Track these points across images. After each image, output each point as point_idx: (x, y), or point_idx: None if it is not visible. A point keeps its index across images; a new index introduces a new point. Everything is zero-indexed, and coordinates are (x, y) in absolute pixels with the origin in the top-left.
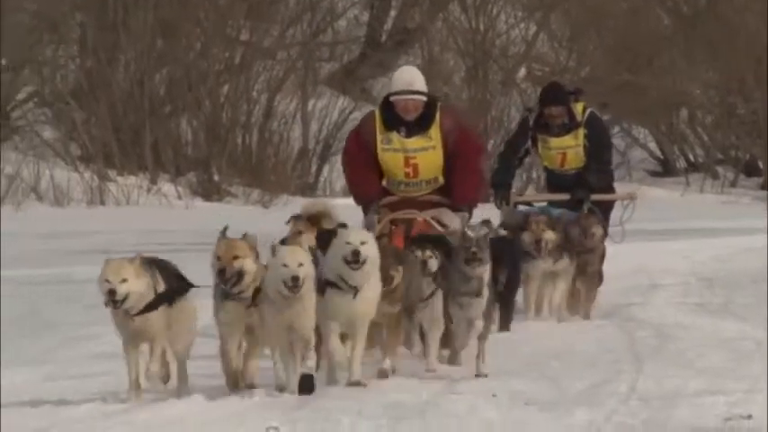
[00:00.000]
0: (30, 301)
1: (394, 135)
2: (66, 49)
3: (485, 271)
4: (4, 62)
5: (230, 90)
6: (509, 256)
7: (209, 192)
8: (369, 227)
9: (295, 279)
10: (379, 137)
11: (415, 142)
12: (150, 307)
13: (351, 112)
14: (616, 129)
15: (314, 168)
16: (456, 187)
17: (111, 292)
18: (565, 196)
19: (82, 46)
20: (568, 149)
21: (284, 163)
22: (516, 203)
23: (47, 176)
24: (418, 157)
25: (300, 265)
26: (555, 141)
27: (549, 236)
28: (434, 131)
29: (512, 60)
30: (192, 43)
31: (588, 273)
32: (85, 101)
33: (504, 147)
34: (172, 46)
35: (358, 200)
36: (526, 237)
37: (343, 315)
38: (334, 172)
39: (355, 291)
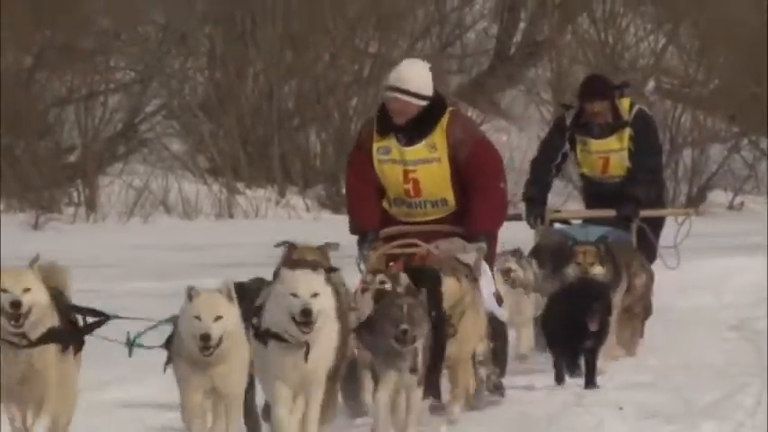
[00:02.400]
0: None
1: (392, 142)
2: (195, 61)
3: (419, 345)
4: (132, 74)
5: (359, 102)
6: (600, 302)
7: (338, 204)
8: (361, 264)
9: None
10: (375, 144)
11: (414, 152)
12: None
13: (480, 125)
14: (744, 141)
15: None
16: (471, 212)
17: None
18: (610, 212)
19: (210, 58)
20: (612, 153)
21: None
22: (553, 221)
23: (175, 189)
24: (419, 170)
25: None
26: (596, 144)
27: (599, 270)
28: (439, 140)
29: (640, 73)
30: (320, 55)
31: (630, 315)
32: (214, 113)
33: (538, 151)
34: (300, 58)
35: (351, 228)
36: (571, 270)
37: (291, 375)
38: None
39: (306, 348)
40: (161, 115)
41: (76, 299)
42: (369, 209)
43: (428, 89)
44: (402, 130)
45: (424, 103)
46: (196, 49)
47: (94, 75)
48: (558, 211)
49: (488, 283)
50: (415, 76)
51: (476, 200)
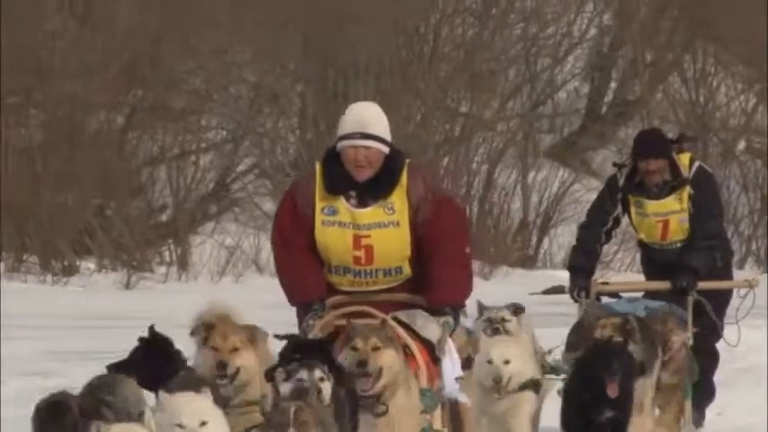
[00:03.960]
0: None
1: (340, 203)
2: (287, 120)
3: None
4: (224, 133)
5: (450, 162)
6: (619, 362)
7: None
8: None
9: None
10: (318, 204)
11: (370, 214)
12: None
13: (571, 184)
14: None
15: (534, 240)
16: (436, 282)
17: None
18: (664, 284)
19: (302, 117)
20: (671, 216)
21: (504, 234)
22: (600, 294)
23: (267, 248)
24: (374, 235)
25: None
26: (653, 205)
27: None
28: (398, 199)
29: (731, 133)
30: (412, 114)
31: (671, 392)
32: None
33: (587, 215)
34: (391, 117)
35: (291, 298)
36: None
37: None
38: (554, 244)
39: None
40: (253, 174)
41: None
42: (312, 275)
43: (389, 135)
44: (353, 188)
45: (387, 152)
46: (288, 109)
47: (186, 134)
48: (606, 283)
49: (453, 364)
50: (377, 117)
51: (441, 268)
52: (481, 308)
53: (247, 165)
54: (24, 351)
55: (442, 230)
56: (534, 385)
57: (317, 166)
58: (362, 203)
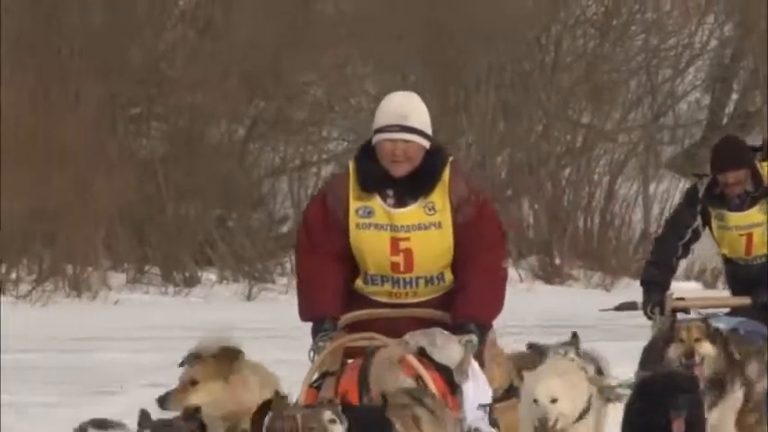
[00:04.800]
0: None
1: (376, 203)
2: None
3: None
4: (345, 144)
5: (571, 173)
6: (688, 396)
7: (551, 275)
8: (315, 358)
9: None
10: (352, 205)
11: (408, 215)
12: None
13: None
14: None
15: None
16: (463, 294)
17: None
18: (744, 300)
19: None
20: (755, 228)
21: (626, 246)
22: (675, 311)
23: None
24: (413, 238)
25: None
26: (735, 218)
27: (708, 350)
28: (440, 198)
29: None
30: (533, 125)
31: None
32: None
33: (664, 227)
34: (513, 128)
35: (301, 312)
36: (672, 352)
37: None
38: None
39: None
40: None
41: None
42: (328, 290)
43: (430, 129)
44: (390, 186)
45: (428, 146)
46: None
47: (307, 145)
48: (682, 299)
49: (477, 388)
50: (417, 110)
51: (472, 278)
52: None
53: None
54: (145, 362)
55: (480, 237)
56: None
57: (350, 164)
58: (401, 202)
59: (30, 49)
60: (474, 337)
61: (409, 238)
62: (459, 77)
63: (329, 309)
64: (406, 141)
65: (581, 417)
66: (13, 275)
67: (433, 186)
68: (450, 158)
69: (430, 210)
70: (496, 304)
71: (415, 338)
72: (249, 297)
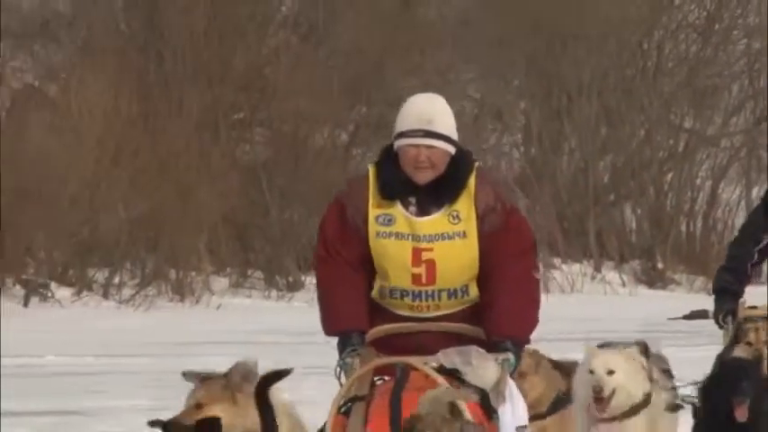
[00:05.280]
0: None
1: (398, 210)
2: (510, 136)
3: None
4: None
5: (674, 178)
6: (750, 382)
7: (653, 279)
8: (342, 377)
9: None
10: (372, 213)
11: (432, 224)
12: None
13: None
14: None
15: None
16: (496, 310)
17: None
18: None
19: (526, 134)
20: None
21: None
22: (748, 320)
23: None
24: (437, 248)
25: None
26: None
27: None
28: (465, 206)
29: None
30: (635, 130)
31: None
32: (530, 189)
33: (739, 232)
34: (615, 133)
35: (326, 326)
36: (738, 351)
37: None
38: None
39: None
40: None
41: None
42: (352, 301)
43: (455, 133)
44: (413, 193)
45: (453, 152)
46: (512, 125)
47: None
48: (754, 307)
49: (515, 410)
50: (442, 113)
51: (503, 293)
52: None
53: None
54: None
55: (509, 248)
56: (646, 404)
57: (370, 169)
58: (423, 211)
59: (133, 56)
60: (511, 356)
61: (432, 248)
62: (562, 83)
63: (356, 322)
64: (431, 147)
65: (633, 412)
66: (116, 280)
67: (457, 194)
68: (477, 164)
69: (454, 218)
70: (532, 318)
71: (449, 357)
72: None
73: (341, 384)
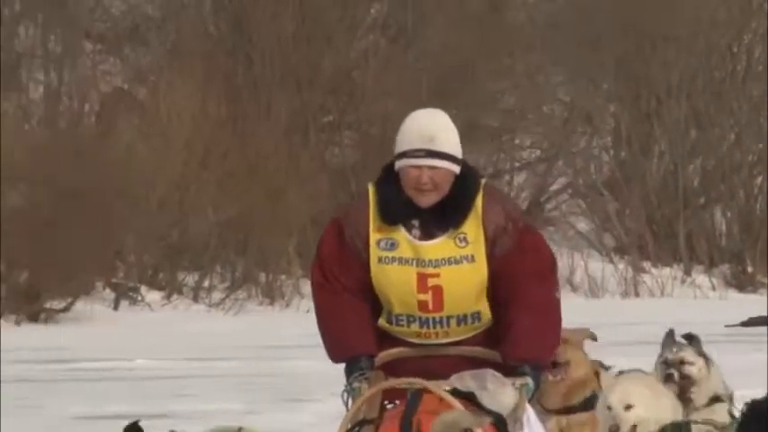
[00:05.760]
0: None
1: (400, 234)
2: (600, 139)
3: None
4: (538, 153)
5: (764, 181)
6: None
7: (743, 283)
8: (349, 402)
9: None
10: (373, 236)
11: (437, 248)
12: None
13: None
14: None
15: None
16: (513, 332)
17: None
18: None
19: (615, 137)
20: None
21: None
22: None
23: (581, 268)
24: (443, 273)
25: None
26: None
27: None
28: (472, 229)
29: None
30: (725, 134)
31: None
32: (619, 192)
33: None
34: (705, 136)
35: (332, 354)
36: None
37: None
38: None
39: None
40: (566, 194)
41: None
42: (357, 325)
43: (460, 151)
44: (416, 216)
45: (457, 172)
46: (601, 128)
47: (500, 153)
48: None
49: None
50: (445, 130)
51: (521, 316)
52: (666, 342)
53: (561, 184)
54: (338, 371)
55: (525, 269)
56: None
57: (370, 189)
58: (428, 234)
59: (222, 59)
60: (529, 381)
61: (438, 273)
62: (652, 85)
63: (363, 345)
64: (433, 168)
65: None
66: (206, 283)
67: (464, 216)
68: (483, 181)
69: (461, 241)
70: (551, 341)
71: (463, 381)
72: None
73: (348, 410)
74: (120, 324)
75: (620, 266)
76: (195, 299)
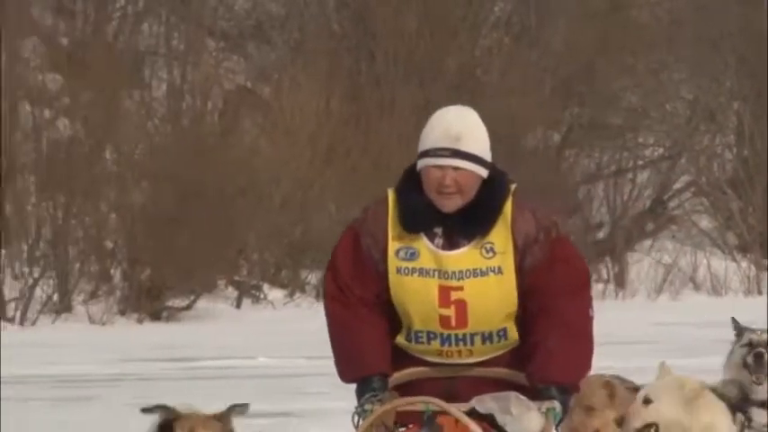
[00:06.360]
0: None
1: (422, 243)
2: (723, 137)
3: None
4: (661, 151)
5: None
6: None
7: None
8: (359, 423)
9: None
10: (392, 246)
11: (462, 258)
12: None
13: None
14: None
15: None
16: (540, 352)
17: None
18: None
19: (738, 135)
20: None
21: None
22: None
23: (704, 266)
24: (468, 286)
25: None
26: None
27: None
28: (501, 238)
29: None
30: None
31: None
32: (742, 190)
33: None
34: None
35: (343, 372)
36: None
37: None
38: None
39: None
40: (689, 192)
41: None
42: (371, 342)
43: (488, 152)
44: (439, 223)
45: (485, 175)
46: (724, 126)
47: (623, 151)
48: None
49: None
50: (472, 129)
51: (551, 334)
52: (739, 328)
53: (684, 182)
54: None
55: (556, 283)
56: None
57: (390, 194)
58: (452, 243)
59: (345, 56)
60: (557, 405)
61: (462, 286)
62: None
63: (377, 364)
64: (458, 169)
65: None
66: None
67: (491, 224)
68: (513, 187)
69: (488, 252)
70: (583, 362)
71: (484, 403)
72: None
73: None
74: (242, 322)
75: (743, 264)
76: (317, 297)
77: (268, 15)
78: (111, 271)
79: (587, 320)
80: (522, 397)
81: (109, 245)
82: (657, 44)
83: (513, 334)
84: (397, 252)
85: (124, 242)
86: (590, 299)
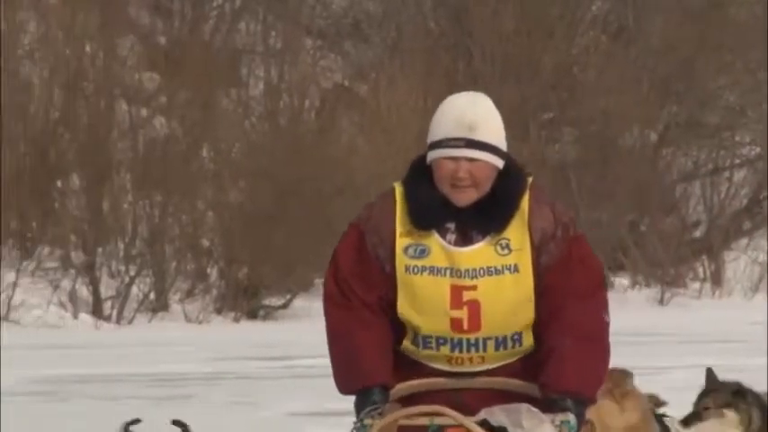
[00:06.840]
0: None
1: (433, 240)
2: None
3: None
4: (758, 150)
5: None
6: None
7: None
8: None
9: None
10: (399, 242)
11: (475, 255)
12: None
13: None
14: None
15: None
16: (554, 360)
17: None
18: None
19: None
20: None
21: None
22: None
23: None
24: (482, 286)
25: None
26: None
27: None
28: (517, 234)
29: None
30: None
31: None
32: None
33: None
34: None
35: (341, 383)
36: None
37: None
38: None
39: None
40: None
41: None
42: (372, 351)
43: (504, 142)
44: (451, 218)
45: (501, 166)
46: None
47: (720, 150)
48: None
49: None
50: (487, 118)
51: (565, 341)
52: None
53: None
54: None
55: (569, 285)
56: None
57: (396, 188)
58: (465, 239)
59: (442, 55)
60: (571, 417)
61: (476, 286)
62: None
63: (377, 375)
64: (472, 160)
65: None
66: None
67: (508, 219)
68: (531, 180)
69: (503, 249)
70: (599, 371)
71: (494, 415)
72: (661, 302)
73: None
74: None
75: None
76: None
77: (365, 14)
78: (208, 269)
79: (603, 325)
80: (534, 409)
81: (205, 243)
82: (756, 42)
83: (529, 340)
84: (406, 249)
85: (221, 240)
86: (606, 302)
